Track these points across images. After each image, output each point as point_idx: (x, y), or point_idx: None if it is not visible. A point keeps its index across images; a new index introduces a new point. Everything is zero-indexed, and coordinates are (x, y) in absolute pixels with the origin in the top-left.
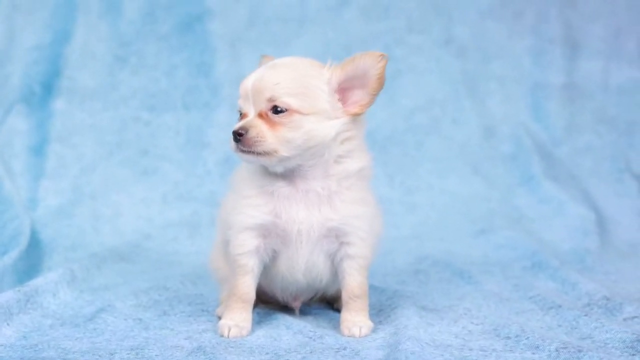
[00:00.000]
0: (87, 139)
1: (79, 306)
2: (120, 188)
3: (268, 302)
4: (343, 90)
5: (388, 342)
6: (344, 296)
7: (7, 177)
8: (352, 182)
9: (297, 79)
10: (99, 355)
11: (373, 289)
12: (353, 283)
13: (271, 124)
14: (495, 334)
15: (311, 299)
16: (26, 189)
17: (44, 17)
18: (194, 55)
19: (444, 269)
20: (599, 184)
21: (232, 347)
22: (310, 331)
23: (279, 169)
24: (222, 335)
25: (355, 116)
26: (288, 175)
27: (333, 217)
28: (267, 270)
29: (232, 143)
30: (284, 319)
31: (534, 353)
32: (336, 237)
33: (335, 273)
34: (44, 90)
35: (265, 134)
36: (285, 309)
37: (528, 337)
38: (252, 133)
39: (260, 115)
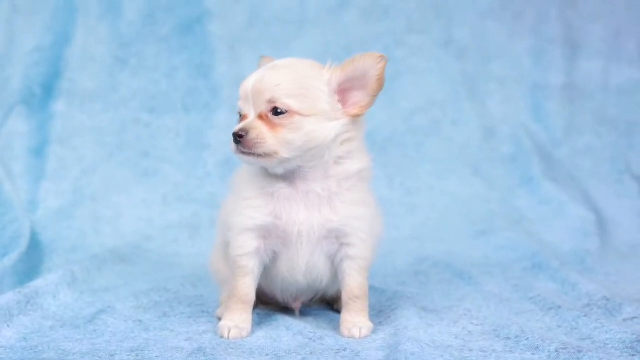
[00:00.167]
0: (88, 140)
1: (79, 308)
2: (121, 190)
3: (268, 303)
4: (343, 92)
5: (388, 343)
6: (344, 297)
7: (7, 179)
8: (352, 183)
9: (297, 80)
10: (99, 357)
11: (373, 290)
12: (353, 284)
13: (271, 125)
14: (495, 335)
15: (311, 300)
16: (26, 190)
17: (44, 19)
18: (193, 56)
19: (444, 270)
20: (599, 185)
21: (232, 348)
22: (310, 332)
23: (280, 170)
24: (222, 337)
25: (355, 117)
26: (288, 176)
27: (333, 218)
28: (267, 271)
29: (233, 145)
30: (284, 320)
31: (533, 354)
32: (336, 238)
33: (336, 274)
34: (44, 92)
35: (265, 136)
36: (285, 310)
37: (528, 338)
38: (252, 135)
39: (261, 117)
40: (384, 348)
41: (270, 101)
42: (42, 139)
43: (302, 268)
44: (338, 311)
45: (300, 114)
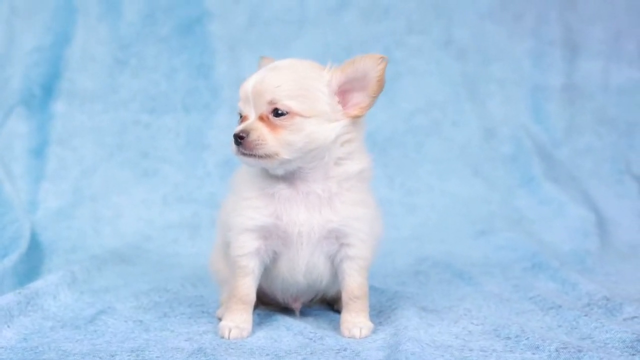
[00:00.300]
0: (87, 141)
1: (79, 308)
2: (121, 190)
3: (268, 304)
4: (343, 93)
5: (388, 343)
6: (344, 297)
7: (7, 180)
8: (353, 183)
9: (298, 81)
10: (100, 357)
11: (373, 290)
12: (353, 284)
13: (272, 126)
14: (496, 335)
15: (311, 300)
16: (26, 191)
17: (44, 19)
18: (193, 57)
19: (444, 270)
20: (599, 185)
21: (232, 348)
22: (311, 332)
23: (280, 171)
24: (222, 337)
25: (355, 118)
26: (288, 177)
27: (333, 219)
28: (267, 271)
29: (233, 146)
30: (284, 320)
31: (534, 353)
32: (336, 238)
33: (336, 274)
34: (44, 92)
35: (266, 137)
36: (286, 310)
37: (528, 338)
38: (253, 136)
39: (261, 118)
40: (385, 348)
41: (271, 102)
42: (42, 140)
43: (302, 268)
44: (338, 311)
45: (300, 115)
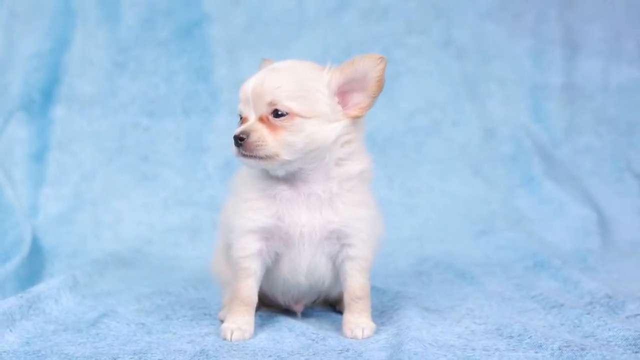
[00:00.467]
0: (87, 145)
1: (81, 312)
2: (121, 194)
3: (270, 306)
4: (343, 93)
5: (391, 343)
6: (346, 298)
7: (8, 185)
8: (354, 184)
9: (298, 82)
10: None
11: (375, 291)
12: (355, 284)
13: (272, 127)
14: (498, 334)
15: (314, 302)
16: (27, 196)
17: (43, 25)
18: (193, 60)
19: (445, 270)
20: (600, 184)
21: (234, 350)
22: (313, 333)
23: (281, 172)
24: (224, 339)
25: (355, 119)
26: (289, 178)
27: (334, 220)
28: (268, 273)
29: (234, 148)
30: (286, 322)
31: (536, 352)
32: (337, 239)
33: (337, 275)
34: (43, 97)
35: (266, 138)
36: (288, 311)
37: (531, 336)
38: (253, 137)
39: (261, 120)
40: (387, 348)
41: (270, 104)
42: (42, 145)
43: (304, 269)
44: (340, 312)
45: (300, 116)
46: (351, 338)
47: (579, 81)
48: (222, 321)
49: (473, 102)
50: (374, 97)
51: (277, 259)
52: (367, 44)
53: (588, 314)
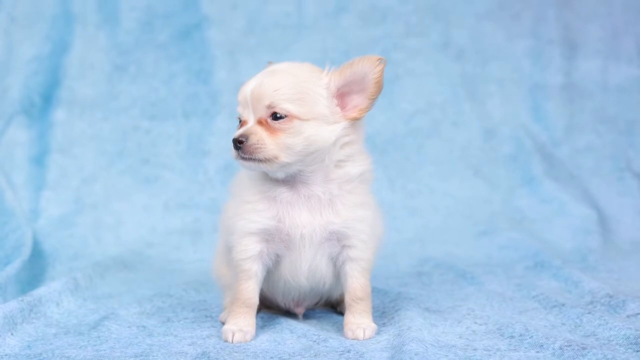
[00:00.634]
0: (88, 148)
1: (82, 315)
2: (122, 197)
3: (271, 308)
4: (342, 95)
5: (392, 343)
6: (347, 299)
7: (9, 189)
8: (354, 185)
9: (296, 84)
10: None
11: (376, 292)
12: (356, 285)
13: (271, 130)
14: (499, 334)
15: (315, 304)
16: (28, 199)
17: (42, 29)
18: (192, 63)
19: (446, 271)
20: (600, 183)
21: (236, 352)
22: (314, 334)
23: (280, 175)
24: (226, 341)
25: (355, 120)
26: (289, 180)
27: (335, 221)
28: (269, 275)
29: (233, 151)
30: (287, 323)
31: (538, 352)
32: (338, 240)
33: (338, 276)
34: (43, 101)
35: (265, 141)
36: (289, 313)
37: (532, 336)
38: (252, 140)
39: (260, 122)
40: (388, 349)
41: (269, 106)
42: (43, 148)
43: (305, 271)
44: (341, 313)
45: (299, 119)
46: (352, 339)
47: (578, 81)
48: (223, 323)
49: (473, 103)
50: (373, 99)
51: (277, 260)
52: (366, 47)
53: (589, 313)
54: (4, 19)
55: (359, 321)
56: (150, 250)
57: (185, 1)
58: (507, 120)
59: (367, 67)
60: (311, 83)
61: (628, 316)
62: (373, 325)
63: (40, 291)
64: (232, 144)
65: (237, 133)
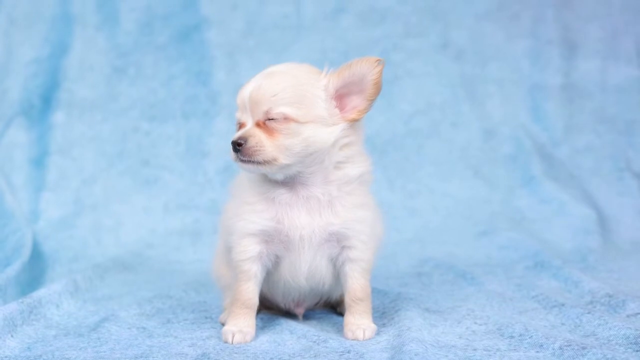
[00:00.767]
0: (88, 150)
1: (82, 316)
2: (122, 198)
3: (271, 308)
4: (341, 97)
5: (392, 344)
6: (347, 299)
7: (8, 190)
8: (353, 187)
9: (294, 87)
10: None
11: (376, 292)
12: (356, 286)
13: (269, 132)
14: (499, 334)
15: (315, 304)
16: (27, 201)
17: (42, 30)
18: (192, 64)
19: (446, 271)
20: (600, 183)
21: (236, 353)
22: (314, 335)
23: (280, 176)
24: (226, 342)
25: (353, 122)
26: (288, 182)
27: (334, 222)
28: (269, 276)
29: (232, 153)
30: (287, 324)
31: (538, 351)
32: (338, 241)
33: (338, 277)
34: (43, 103)
35: (264, 143)
36: (289, 314)
37: (532, 336)
38: (251, 142)
39: (258, 125)
40: (388, 349)
41: (267, 109)
42: (42, 150)
43: (305, 272)
44: (341, 314)
45: (297, 121)
46: (352, 340)
47: (578, 81)
48: (223, 324)
49: (472, 103)
50: (372, 100)
51: (277, 261)
52: (365, 48)
53: (589, 313)
54: (4, 20)
55: (358, 322)
56: (150, 251)
57: (185, 2)
58: (506, 121)
59: (365, 68)
60: (309, 85)
61: (628, 316)
62: (373, 326)
63: (40, 293)
64: (231, 146)
65: (236, 135)
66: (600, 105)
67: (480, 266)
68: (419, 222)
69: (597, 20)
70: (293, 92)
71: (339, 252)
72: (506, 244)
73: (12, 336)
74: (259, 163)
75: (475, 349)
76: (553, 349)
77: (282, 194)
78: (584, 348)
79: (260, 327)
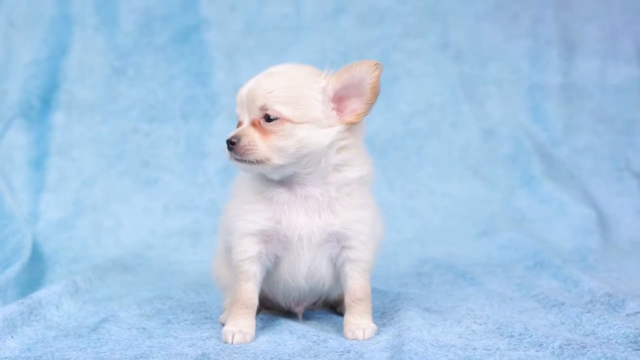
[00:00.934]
0: (87, 151)
1: (82, 317)
2: (122, 199)
3: (271, 308)
4: (340, 99)
5: (392, 343)
6: (347, 299)
7: (8, 192)
8: (353, 188)
9: (291, 87)
10: None
11: (376, 292)
12: (355, 286)
13: (263, 132)
14: (499, 333)
15: (314, 304)
16: (27, 202)
17: (41, 32)
18: (191, 65)
19: (446, 271)
20: (599, 183)
21: (236, 353)
22: (314, 335)
23: (276, 176)
24: (225, 342)
25: (351, 125)
26: (287, 182)
27: (334, 222)
28: (269, 276)
29: (227, 152)
30: (287, 324)
31: (537, 350)
32: (337, 241)
33: (338, 277)
34: (42, 104)
35: (257, 143)
36: (289, 314)
37: (531, 335)
38: (244, 142)
39: (254, 124)
40: (388, 349)
41: (262, 108)
42: (42, 151)
43: (304, 272)
44: (341, 314)
45: (291, 121)
46: (352, 339)
47: (577, 81)
48: (223, 324)
49: (472, 104)
50: (370, 104)
51: (277, 261)
52: (365, 48)
53: (588, 312)
54: (3, 21)
55: (358, 322)
56: (150, 252)
57: (184, 3)
58: (506, 121)
59: (364, 71)
60: (306, 86)
61: (627, 315)
62: (373, 326)
63: (40, 294)
64: (226, 144)
65: (230, 134)
66: (599, 105)
67: (480, 266)
68: (418, 222)
69: (596, 20)
70: (289, 91)
71: (338, 253)
72: (506, 244)
73: (12, 337)
74: (251, 162)
75: (475, 349)
76: (553, 348)
77: (281, 194)
78: (583, 347)
79: (260, 327)
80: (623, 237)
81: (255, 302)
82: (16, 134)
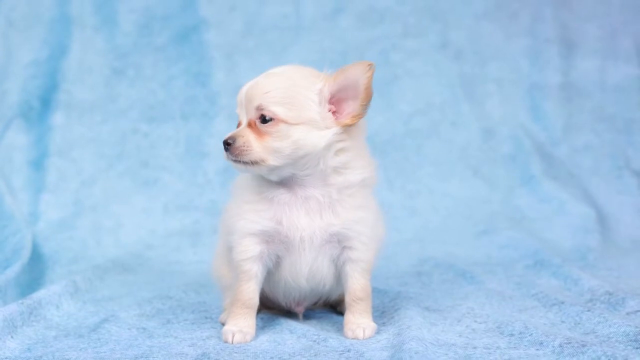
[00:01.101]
0: (87, 151)
1: (82, 317)
2: (121, 199)
3: (271, 308)
4: (339, 101)
5: (392, 342)
6: (347, 299)
7: (8, 192)
8: (354, 190)
9: (287, 88)
10: None
11: (376, 292)
12: (356, 286)
13: (259, 133)
14: (499, 332)
15: (315, 304)
16: (27, 203)
17: (40, 32)
18: (191, 65)
19: (446, 270)
20: (599, 182)
21: (236, 352)
22: (314, 334)
23: (274, 177)
24: (226, 342)
25: (347, 126)
26: (287, 182)
27: (335, 223)
28: (270, 276)
29: (224, 152)
30: (287, 324)
31: (538, 349)
32: (338, 242)
33: (338, 277)
34: (42, 104)
35: (252, 144)
36: (289, 313)
37: (532, 334)
38: (239, 142)
39: (250, 125)
40: (388, 348)
41: (258, 108)
42: (42, 152)
43: (305, 272)
44: (341, 313)
45: (286, 122)
46: (352, 339)
47: (576, 80)
48: (223, 324)
49: (471, 103)
50: (364, 105)
51: (278, 261)
52: (364, 48)
53: (588, 311)
54: (2, 22)
55: (359, 321)
56: (150, 252)
57: (183, 3)
58: (505, 120)
59: (358, 72)
60: (303, 87)
61: (627, 313)
62: (373, 325)
63: (40, 294)
64: (223, 145)
65: (227, 135)
66: (599, 104)
67: (480, 265)
68: (418, 222)
69: (595, 19)
70: (285, 92)
71: (339, 253)
72: (506, 243)
73: (12, 337)
74: (246, 163)
75: (475, 347)
76: (553, 347)
77: (281, 194)
78: (583, 345)
79: (260, 327)
80: (623, 236)
81: (255, 302)
82: (16, 135)
